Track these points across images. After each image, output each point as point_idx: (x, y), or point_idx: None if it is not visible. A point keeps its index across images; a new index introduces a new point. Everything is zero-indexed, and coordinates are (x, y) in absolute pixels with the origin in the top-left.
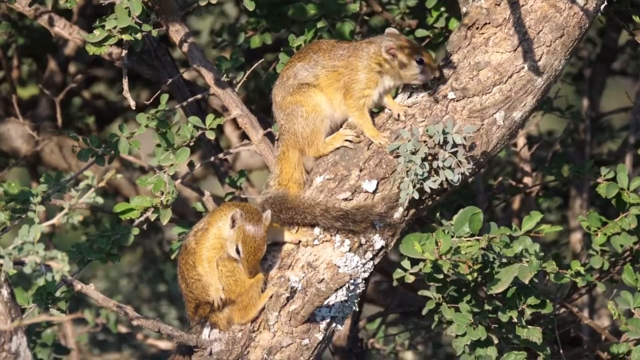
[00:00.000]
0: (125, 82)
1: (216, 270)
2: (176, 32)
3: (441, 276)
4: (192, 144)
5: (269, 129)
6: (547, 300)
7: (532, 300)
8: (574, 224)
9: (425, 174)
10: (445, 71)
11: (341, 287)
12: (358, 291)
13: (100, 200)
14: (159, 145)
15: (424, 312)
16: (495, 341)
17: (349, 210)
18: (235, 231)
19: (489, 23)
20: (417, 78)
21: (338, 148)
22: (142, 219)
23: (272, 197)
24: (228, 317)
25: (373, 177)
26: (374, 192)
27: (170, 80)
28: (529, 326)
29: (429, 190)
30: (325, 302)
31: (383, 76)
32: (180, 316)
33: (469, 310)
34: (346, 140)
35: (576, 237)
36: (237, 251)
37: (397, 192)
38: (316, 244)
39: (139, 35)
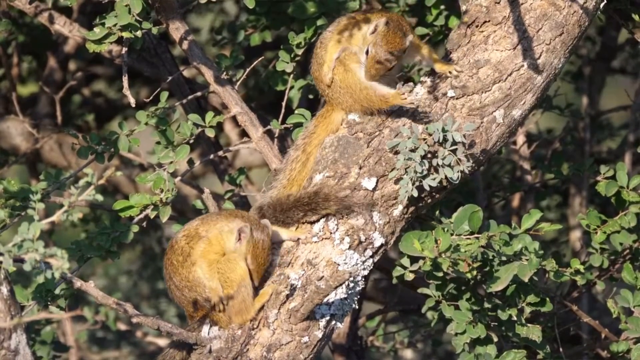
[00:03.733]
0: (125, 80)
1: (215, 273)
2: (176, 29)
3: (441, 274)
4: (191, 141)
5: (269, 127)
6: (547, 299)
7: (531, 298)
8: (573, 222)
9: (425, 172)
10: None
11: (341, 284)
12: (358, 289)
13: (99, 197)
14: (158, 143)
15: (424, 310)
16: (495, 339)
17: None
18: (244, 245)
19: (489, 21)
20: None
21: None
22: (141, 216)
23: (268, 202)
24: (228, 317)
25: (372, 175)
26: (374, 189)
27: (170, 78)
28: (528, 324)
29: (428, 188)
30: (325, 300)
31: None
32: (179, 313)
33: (469, 308)
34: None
35: (576, 235)
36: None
37: (396, 190)
38: (315, 242)
39: (139, 33)
